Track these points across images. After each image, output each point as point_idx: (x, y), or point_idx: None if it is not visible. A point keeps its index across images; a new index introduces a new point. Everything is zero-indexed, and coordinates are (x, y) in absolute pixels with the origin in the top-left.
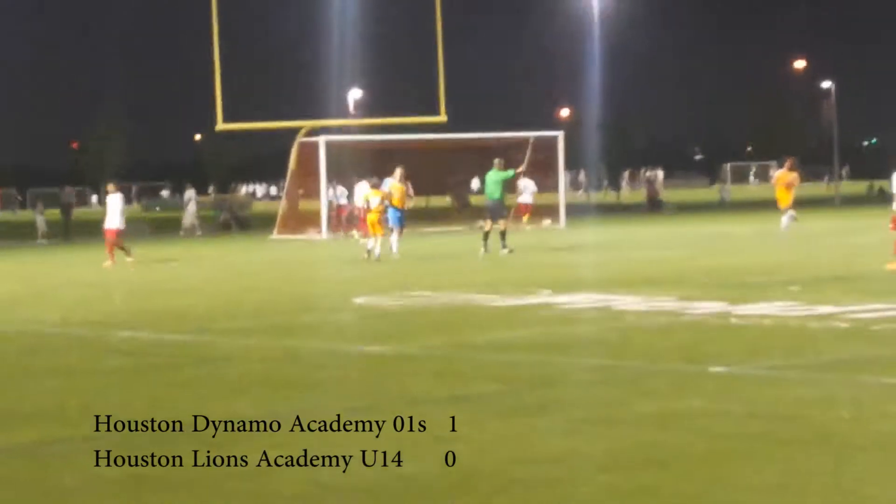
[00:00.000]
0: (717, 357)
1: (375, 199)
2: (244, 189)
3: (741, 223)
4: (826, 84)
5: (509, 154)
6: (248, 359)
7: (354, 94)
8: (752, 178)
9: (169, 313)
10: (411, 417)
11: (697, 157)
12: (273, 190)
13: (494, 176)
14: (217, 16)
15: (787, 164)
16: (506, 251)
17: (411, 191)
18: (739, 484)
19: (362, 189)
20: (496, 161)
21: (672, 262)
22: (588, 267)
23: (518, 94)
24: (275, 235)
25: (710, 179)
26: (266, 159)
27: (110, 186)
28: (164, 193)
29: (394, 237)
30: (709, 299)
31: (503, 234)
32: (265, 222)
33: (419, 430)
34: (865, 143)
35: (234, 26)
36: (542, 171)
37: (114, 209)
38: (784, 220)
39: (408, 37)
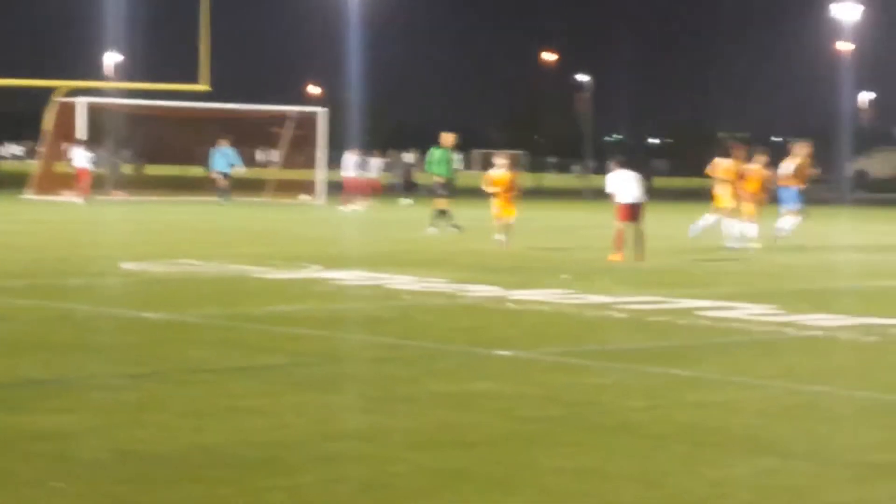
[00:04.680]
0: (501, 341)
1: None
2: None
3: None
4: (582, 77)
5: (264, 128)
6: (22, 320)
7: (113, 57)
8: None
9: None
10: (200, 385)
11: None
12: (18, 150)
13: (443, 154)
14: None
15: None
16: (433, 230)
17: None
18: (548, 466)
19: (350, 159)
20: (447, 136)
21: (439, 243)
22: (354, 244)
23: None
24: (28, 195)
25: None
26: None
27: None
28: None
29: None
30: (482, 283)
31: (444, 212)
32: (16, 182)
33: (212, 400)
34: (608, 138)
35: None
36: (301, 148)
37: None
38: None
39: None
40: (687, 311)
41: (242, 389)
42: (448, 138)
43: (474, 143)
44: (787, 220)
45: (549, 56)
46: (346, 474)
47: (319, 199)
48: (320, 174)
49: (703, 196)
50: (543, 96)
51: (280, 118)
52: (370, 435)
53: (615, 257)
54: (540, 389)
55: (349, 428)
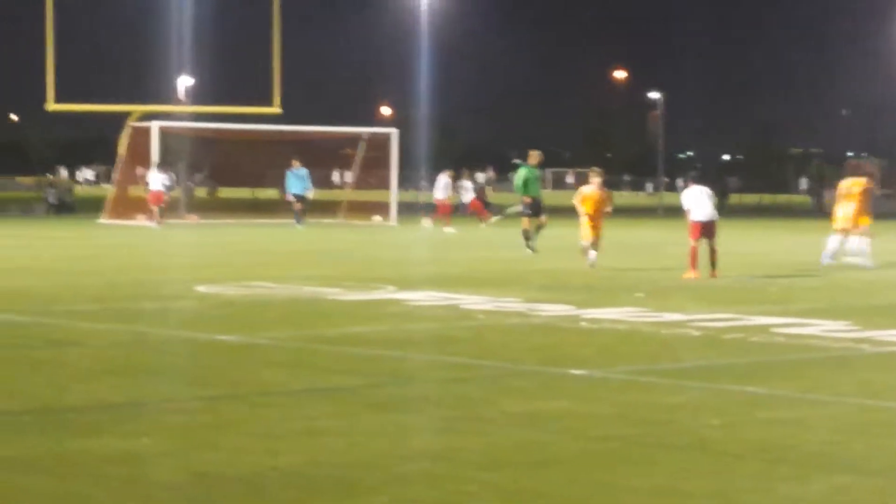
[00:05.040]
0: (575, 360)
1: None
2: (63, 172)
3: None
4: (654, 95)
5: (337, 150)
6: (97, 344)
7: (185, 81)
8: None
9: (7, 294)
10: (274, 408)
11: (515, 161)
12: (90, 175)
13: (531, 172)
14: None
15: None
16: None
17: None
18: (623, 486)
19: (442, 180)
20: (534, 154)
21: (512, 262)
22: (427, 264)
23: (345, 88)
24: (103, 220)
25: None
26: (85, 143)
27: None
28: None
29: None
30: (556, 302)
31: (535, 230)
32: (89, 206)
33: (286, 422)
34: (682, 155)
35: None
36: (374, 168)
37: None
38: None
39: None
40: (761, 328)
41: (316, 411)
42: (534, 156)
43: (546, 163)
44: None
45: (619, 74)
46: (420, 495)
47: (392, 219)
48: (393, 195)
49: (775, 212)
50: (615, 114)
51: (352, 139)
52: (444, 455)
53: (690, 275)
54: (613, 408)
55: (423, 448)
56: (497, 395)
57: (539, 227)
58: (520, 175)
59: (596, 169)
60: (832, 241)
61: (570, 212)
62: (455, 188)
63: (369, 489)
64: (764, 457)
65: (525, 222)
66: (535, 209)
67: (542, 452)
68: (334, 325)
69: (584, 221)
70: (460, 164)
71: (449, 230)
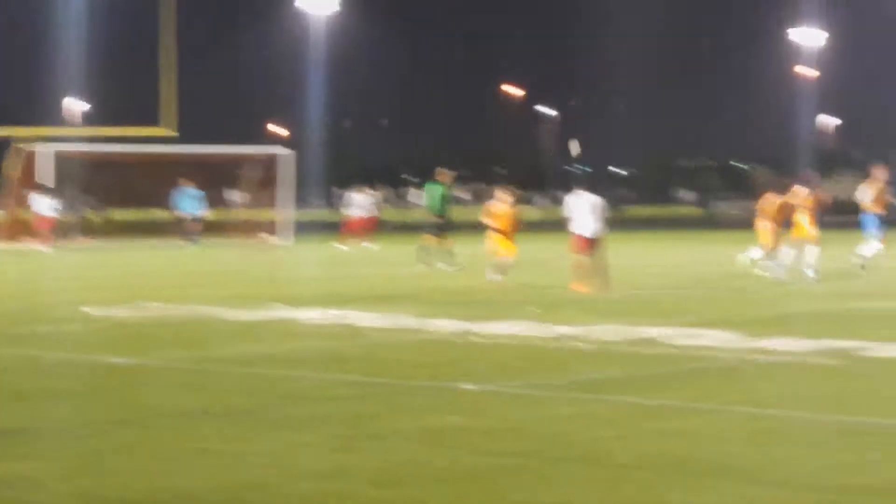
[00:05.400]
0: (467, 375)
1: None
2: None
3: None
4: (544, 109)
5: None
6: None
7: (75, 103)
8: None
9: None
10: (167, 430)
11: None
12: None
13: (445, 190)
14: None
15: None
16: (445, 266)
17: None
18: (517, 500)
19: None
20: (445, 172)
21: (402, 279)
22: (319, 282)
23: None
24: None
25: None
26: None
27: None
28: None
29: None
30: (446, 317)
31: (442, 250)
32: None
33: (178, 443)
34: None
35: None
36: (268, 188)
37: None
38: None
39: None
40: (652, 340)
41: (209, 432)
42: (446, 175)
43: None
44: (869, 246)
45: (512, 89)
46: None
47: (286, 238)
48: (285, 214)
49: (663, 224)
50: (506, 129)
51: (246, 159)
52: (337, 473)
53: (579, 287)
54: (507, 423)
55: (315, 467)
56: (390, 412)
57: (445, 248)
58: (433, 193)
59: (508, 186)
60: (786, 254)
61: (463, 227)
62: (358, 203)
63: None
64: (657, 468)
65: (429, 239)
66: (445, 228)
67: (435, 469)
68: (226, 345)
69: (497, 238)
70: (354, 182)
71: (368, 246)
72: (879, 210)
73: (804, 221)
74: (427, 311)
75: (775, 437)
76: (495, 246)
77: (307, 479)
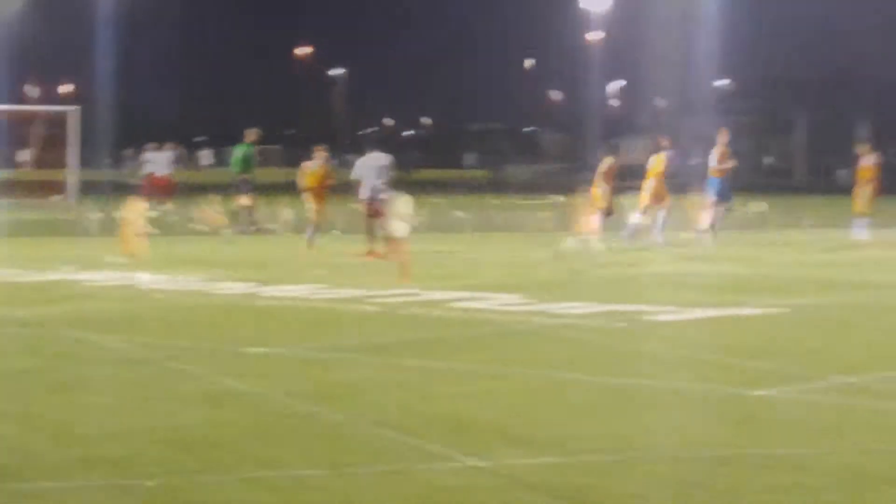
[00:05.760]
0: (254, 338)
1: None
2: None
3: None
4: (337, 71)
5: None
6: None
7: None
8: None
9: None
10: None
11: (198, 139)
12: None
13: (249, 150)
14: None
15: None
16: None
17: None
18: (293, 463)
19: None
20: (251, 132)
21: (197, 242)
22: (107, 245)
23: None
24: None
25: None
26: None
27: None
28: None
29: None
30: (236, 280)
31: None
32: None
33: None
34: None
35: None
36: (55, 147)
37: None
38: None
39: None
40: (438, 303)
41: None
42: (251, 134)
43: (231, 140)
44: (712, 213)
45: (303, 50)
46: (92, 477)
47: (72, 199)
48: (73, 174)
49: (449, 187)
50: (298, 90)
51: (32, 118)
52: (121, 436)
53: (369, 253)
54: (293, 385)
55: (97, 431)
56: (174, 376)
57: (244, 208)
58: (237, 152)
59: (320, 145)
60: (636, 219)
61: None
62: (157, 161)
63: (40, 473)
64: (446, 431)
65: (244, 200)
66: (244, 187)
67: (217, 431)
68: (12, 306)
69: (308, 197)
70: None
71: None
72: (721, 174)
73: (651, 187)
74: (216, 273)
75: (557, 397)
76: (312, 205)
77: (90, 442)
